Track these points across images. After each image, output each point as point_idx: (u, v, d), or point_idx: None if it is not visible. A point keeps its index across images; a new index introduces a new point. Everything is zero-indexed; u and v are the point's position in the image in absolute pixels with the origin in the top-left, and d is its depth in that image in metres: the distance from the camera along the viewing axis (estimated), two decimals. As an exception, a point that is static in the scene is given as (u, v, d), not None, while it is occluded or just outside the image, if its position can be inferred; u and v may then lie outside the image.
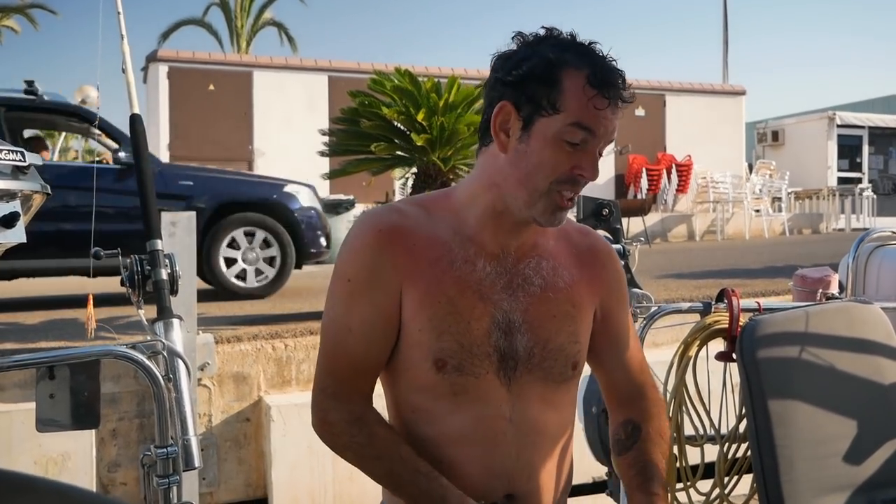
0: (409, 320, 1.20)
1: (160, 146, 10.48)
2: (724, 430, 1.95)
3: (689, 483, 1.90)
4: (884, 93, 21.88)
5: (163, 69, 11.06)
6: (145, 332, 1.82)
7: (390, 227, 1.21)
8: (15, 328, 4.64)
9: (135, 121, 2.08)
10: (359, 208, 7.55)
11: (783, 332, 1.71)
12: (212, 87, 11.18)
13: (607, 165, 12.36)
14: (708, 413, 1.93)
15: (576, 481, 1.37)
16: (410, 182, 4.75)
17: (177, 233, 3.46)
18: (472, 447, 1.22)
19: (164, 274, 1.86)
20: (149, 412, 3.51)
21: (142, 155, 2.06)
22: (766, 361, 1.67)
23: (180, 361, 1.75)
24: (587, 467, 1.77)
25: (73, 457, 3.38)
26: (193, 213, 3.58)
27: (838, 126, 15.01)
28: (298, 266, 5.86)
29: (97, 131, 6.15)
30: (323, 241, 5.94)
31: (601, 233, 2.16)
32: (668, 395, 1.89)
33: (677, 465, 1.90)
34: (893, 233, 2.46)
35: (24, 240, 1.41)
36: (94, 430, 3.29)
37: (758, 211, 12.25)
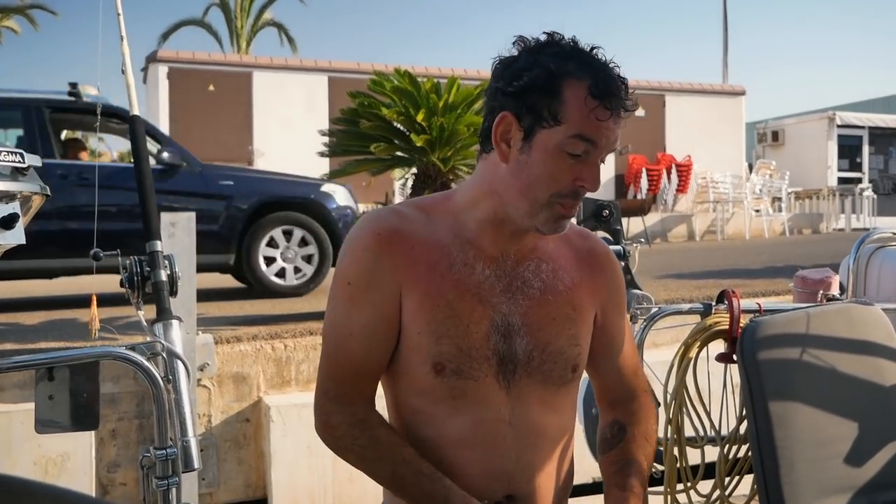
0: (409, 323, 1.20)
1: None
2: (724, 432, 1.95)
3: (689, 485, 1.90)
4: (885, 92, 21.87)
5: (163, 70, 11.06)
6: (146, 333, 1.82)
7: (390, 230, 1.21)
8: (15, 328, 4.64)
9: (134, 122, 2.08)
10: (359, 209, 7.56)
11: (784, 334, 1.70)
12: (212, 88, 11.18)
13: (607, 166, 12.26)
14: (708, 414, 1.92)
15: (576, 482, 1.37)
16: (410, 183, 4.75)
17: (176, 233, 3.46)
18: (472, 450, 1.22)
19: (163, 275, 1.86)
20: (148, 413, 3.51)
21: (141, 156, 2.06)
22: (767, 363, 1.67)
23: (179, 363, 1.74)
24: (587, 468, 1.77)
25: (72, 457, 3.37)
26: (193, 214, 3.57)
27: (838, 126, 15.01)
28: (335, 263, 5.92)
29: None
30: None
31: (601, 234, 2.16)
32: (669, 397, 1.89)
33: (678, 465, 1.90)
34: (894, 234, 2.46)
35: (23, 241, 1.40)
36: (93, 431, 3.28)
37: (758, 211, 12.25)
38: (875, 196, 13.73)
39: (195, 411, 3.26)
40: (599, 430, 1.37)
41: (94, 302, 2.77)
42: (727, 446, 1.94)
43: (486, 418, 1.21)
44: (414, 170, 4.67)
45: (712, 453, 1.95)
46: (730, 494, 1.92)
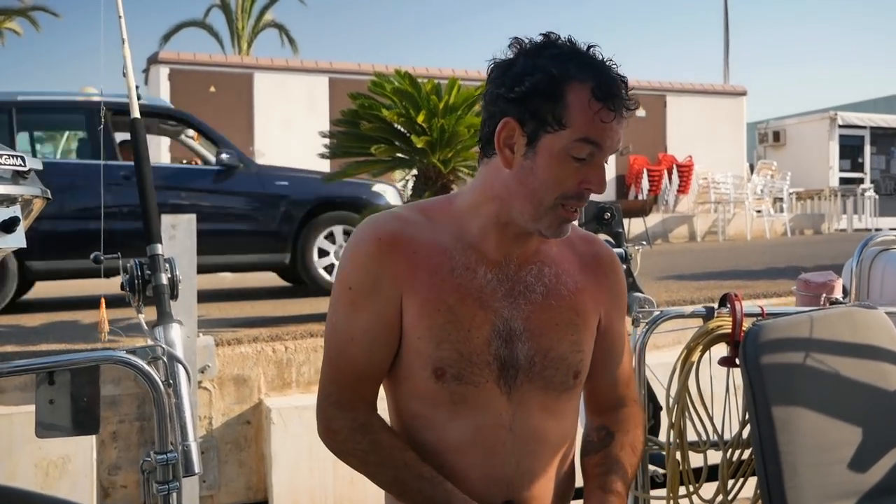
0: (410, 328, 1.20)
1: (161, 148, 10.47)
2: (727, 436, 1.94)
3: (692, 489, 1.89)
4: (888, 91, 21.82)
5: (164, 71, 11.06)
6: (147, 336, 1.82)
7: (390, 234, 1.21)
8: (16, 330, 4.64)
9: (135, 126, 2.08)
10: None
11: (786, 338, 1.70)
12: (213, 89, 11.17)
13: (608, 166, 12.27)
14: (711, 419, 1.92)
15: (577, 484, 1.36)
16: (411, 184, 4.74)
17: (177, 235, 3.45)
18: (472, 455, 1.21)
19: (164, 279, 1.86)
20: (149, 415, 3.51)
21: (142, 159, 2.05)
22: (770, 367, 1.66)
23: (180, 366, 1.74)
24: (589, 472, 1.77)
25: (73, 460, 3.37)
26: (193, 216, 3.57)
27: (840, 126, 14.98)
28: None
29: (191, 132, 6.33)
30: None
31: (603, 237, 2.15)
32: (672, 401, 1.88)
33: (680, 470, 1.89)
34: (897, 236, 2.45)
35: (23, 244, 1.40)
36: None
37: (759, 211, 12.24)
38: (877, 196, 13.72)
39: (196, 415, 3.26)
40: (584, 434, 1.36)
41: (103, 305, 2.77)
42: (730, 450, 1.93)
43: (487, 423, 1.20)
44: (414, 171, 4.67)
45: (715, 457, 1.95)
46: (733, 499, 1.92)
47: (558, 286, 1.25)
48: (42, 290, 6.16)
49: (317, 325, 4.21)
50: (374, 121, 4.47)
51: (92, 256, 1.94)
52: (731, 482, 1.92)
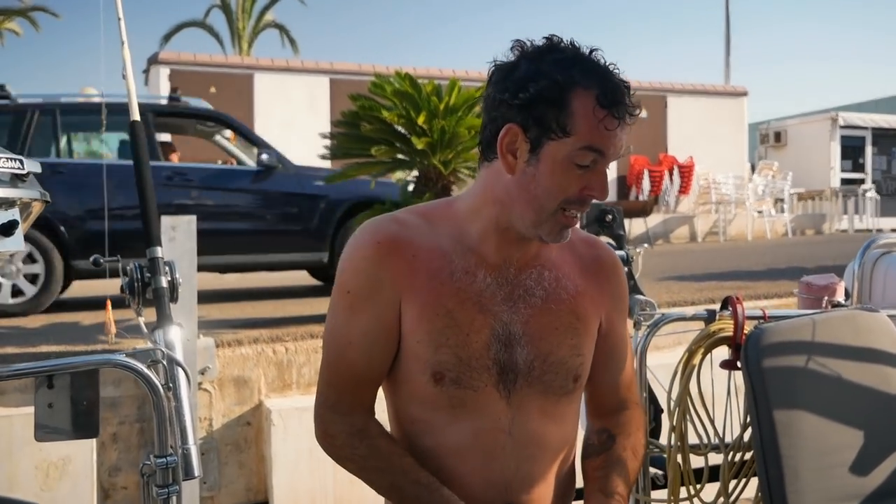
0: (409, 332, 1.19)
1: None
2: (728, 439, 1.94)
3: (693, 492, 1.88)
4: (889, 92, 21.79)
5: (164, 71, 11.05)
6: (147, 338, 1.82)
7: (389, 238, 1.20)
8: (16, 332, 4.63)
9: (135, 128, 2.08)
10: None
11: (788, 341, 1.69)
12: (213, 90, 11.16)
13: (609, 167, 12.32)
14: (712, 421, 1.91)
15: (578, 487, 1.35)
16: (411, 186, 4.74)
17: (177, 237, 3.45)
18: (471, 459, 1.21)
19: (164, 281, 1.85)
20: (149, 416, 3.50)
21: (142, 162, 2.05)
22: (772, 370, 1.66)
23: (180, 370, 1.73)
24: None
25: (73, 461, 3.37)
26: (193, 217, 3.57)
27: (841, 127, 14.97)
28: None
29: (227, 133, 6.38)
30: None
31: (604, 239, 2.14)
32: (673, 404, 1.88)
33: (681, 472, 1.89)
34: (899, 238, 2.44)
35: (22, 248, 1.39)
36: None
37: (760, 212, 12.23)
38: (878, 197, 13.70)
39: (196, 418, 3.26)
40: (585, 436, 1.36)
41: (109, 307, 2.77)
42: (731, 453, 1.92)
43: (486, 428, 1.20)
44: (415, 172, 4.66)
45: (716, 460, 1.94)
46: (734, 502, 1.91)
47: (558, 290, 1.24)
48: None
49: (317, 326, 4.21)
50: (375, 122, 4.47)
51: (91, 259, 1.94)
52: (732, 485, 1.91)
